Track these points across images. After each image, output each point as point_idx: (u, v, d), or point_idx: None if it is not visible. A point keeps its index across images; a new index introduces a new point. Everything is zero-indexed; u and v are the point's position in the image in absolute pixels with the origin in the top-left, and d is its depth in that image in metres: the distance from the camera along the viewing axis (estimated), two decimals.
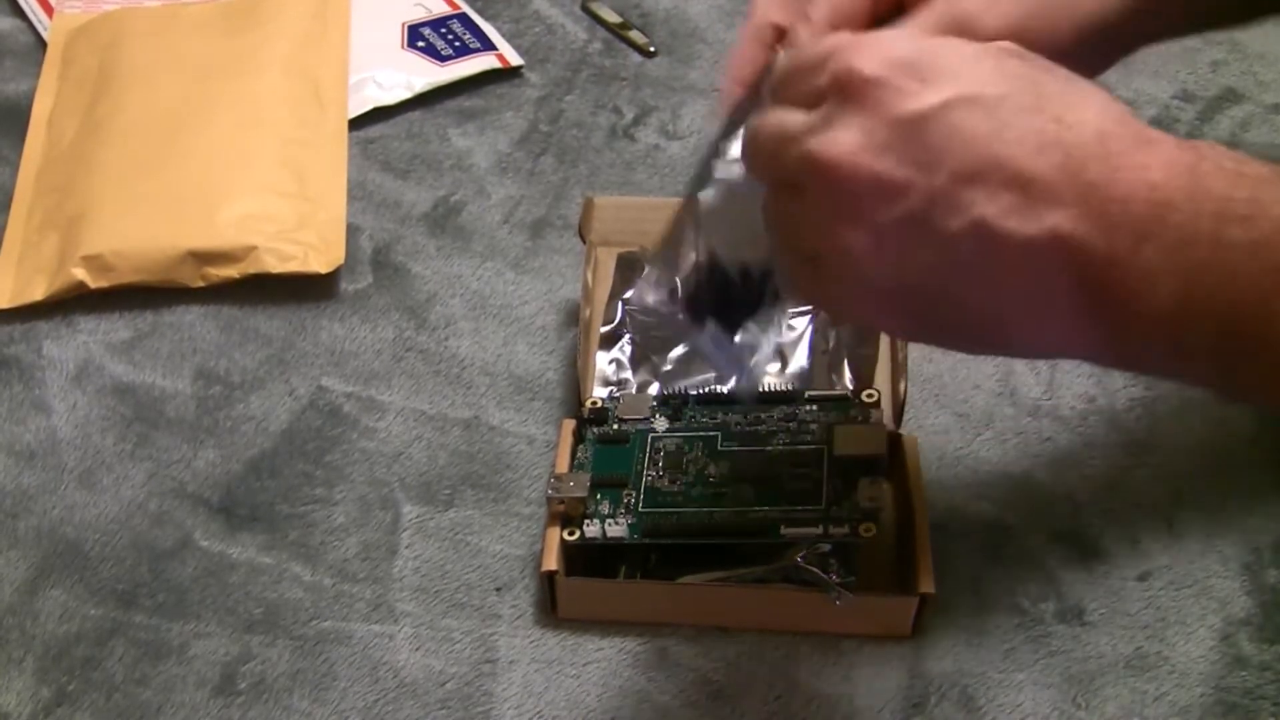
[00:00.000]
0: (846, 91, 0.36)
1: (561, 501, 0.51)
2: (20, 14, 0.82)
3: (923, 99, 0.35)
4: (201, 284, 0.65)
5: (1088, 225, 0.34)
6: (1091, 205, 0.34)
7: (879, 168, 0.35)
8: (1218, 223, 0.34)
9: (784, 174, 0.38)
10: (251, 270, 0.65)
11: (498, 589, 0.54)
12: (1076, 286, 0.35)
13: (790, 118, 0.37)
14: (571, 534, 0.51)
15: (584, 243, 0.64)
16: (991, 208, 0.34)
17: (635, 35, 0.81)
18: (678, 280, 0.46)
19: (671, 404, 0.55)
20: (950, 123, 0.35)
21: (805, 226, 0.38)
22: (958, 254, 0.35)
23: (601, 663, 0.51)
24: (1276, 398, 0.35)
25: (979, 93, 0.35)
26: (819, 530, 0.48)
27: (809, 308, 0.60)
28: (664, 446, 0.53)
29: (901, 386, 0.55)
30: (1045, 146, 0.34)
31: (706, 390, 0.57)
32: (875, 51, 0.36)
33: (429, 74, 0.77)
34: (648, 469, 0.52)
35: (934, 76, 0.35)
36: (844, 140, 0.35)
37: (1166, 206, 0.34)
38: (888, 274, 0.36)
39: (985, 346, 0.39)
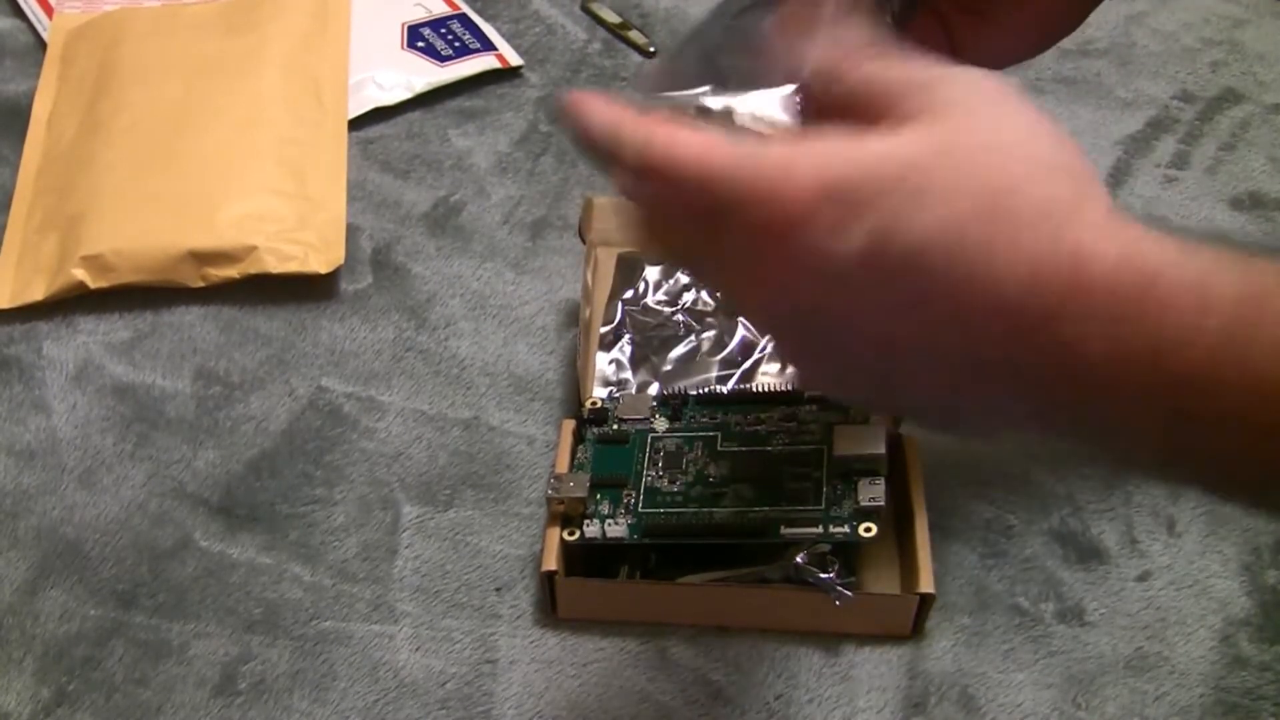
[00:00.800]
0: (761, 243, 0.33)
1: (561, 501, 0.51)
2: (20, 14, 0.82)
3: (850, 242, 0.32)
4: (201, 284, 0.65)
5: (1038, 281, 0.31)
6: (1040, 267, 0.32)
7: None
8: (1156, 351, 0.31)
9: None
10: (251, 270, 0.65)
11: (498, 589, 0.54)
12: (1013, 344, 0.32)
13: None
14: (571, 534, 0.51)
15: (584, 243, 0.64)
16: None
17: (635, 35, 0.81)
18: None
19: (671, 404, 0.55)
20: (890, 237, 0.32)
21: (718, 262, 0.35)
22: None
23: (601, 663, 0.51)
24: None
25: (925, 223, 0.32)
26: (819, 530, 0.48)
27: None
28: (664, 446, 0.53)
29: None
30: (1008, 263, 0.32)
31: (706, 390, 0.57)
32: (796, 184, 0.33)
33: (429, 74, 0.77)
34: (648, 469, 0.52)
35: (867, 212, 0.32)
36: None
37: (1134, 321, 0.31)
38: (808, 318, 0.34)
39: (938, 424, 0.37)
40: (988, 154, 0.32)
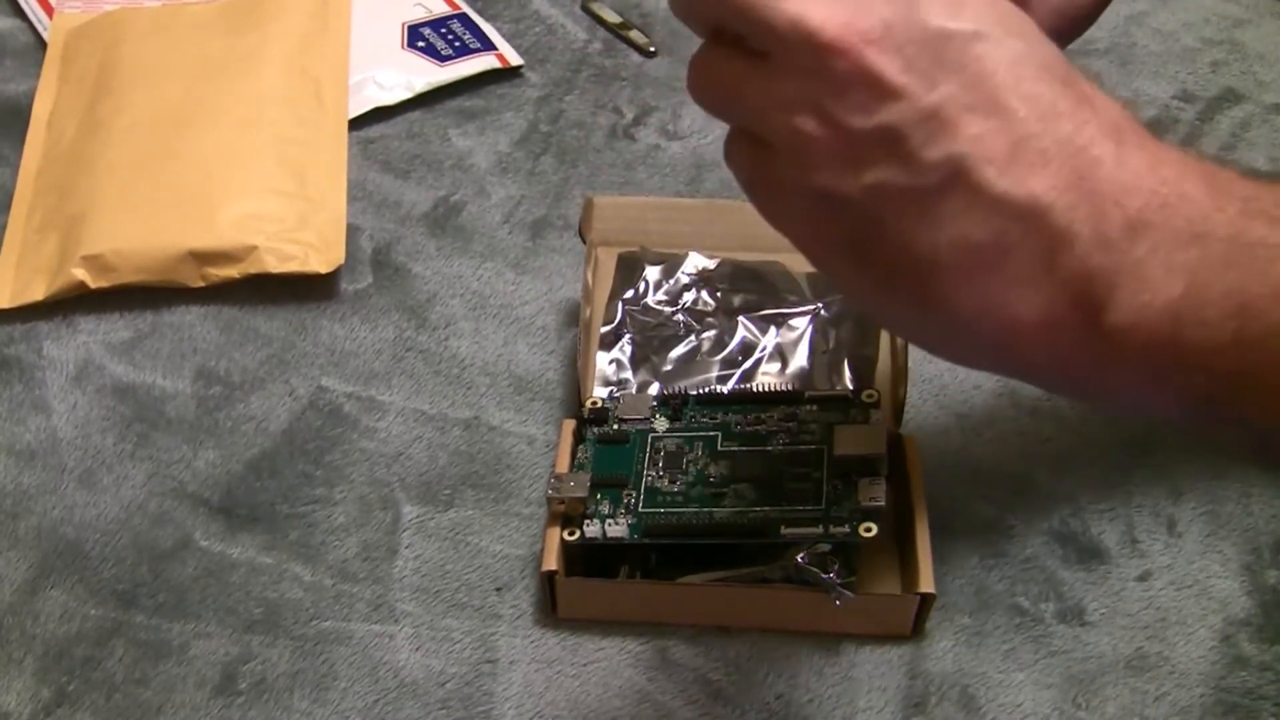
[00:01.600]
0: None
1: (561, 501, 0.51)
2: (20, 14, 0.82)
3: (957, 17, 0.31)
4: (201, 284, 0.65)
5: (1074, 203, 0.31)
6: (1086, 184, 0.31)
7: (881, 64, 0.31)
8: (1242, 218, 0.31)
9: (750, 28, 0.33)
10: (252, 270, 0.65)
11: (498, 589, 0.54)
12: (1041, 267, 0.31)
13: None
14: (571, 534, 0.51)
15: (584, 243, 0.64)
16: (977, 150, 0.31)
17: (635, 35, 0.81)
18: None
19: (671, 404, 0.55)
20: (972, 50, 0.31)
21: (759, 96, 0.33)
22: (923, 185, 0.32)
23: (601, 663, 0.51)
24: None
25: (1012, 39, 0.32)
26: (819, 530, 0.48)
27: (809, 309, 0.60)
28: (664, 446, 0.53)
29: (901, 387, 0.55)
30: (1057, 115, 0.31)
31: (706, 390, 0.57)
32: None
33: (429, 74, 0.77)
34: (648, 469, 0.52)
35: (976, 3, 0.32)
36: (858, 23, 0.31)
37: (1178, 198, 0.31)
38: (837, 181, 0.32)
39: (910, 306, 0.34)
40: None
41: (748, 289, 0.61)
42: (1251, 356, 0.30)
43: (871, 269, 0.34)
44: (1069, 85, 0.32)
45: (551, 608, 0.52)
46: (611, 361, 0.59)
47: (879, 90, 0.31)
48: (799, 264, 0.62)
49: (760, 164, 0.34)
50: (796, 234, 0.35)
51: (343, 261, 0.66)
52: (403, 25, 0.80)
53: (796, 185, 0.33)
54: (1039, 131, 0.31)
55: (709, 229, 0.64)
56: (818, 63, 0.31)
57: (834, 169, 0.32)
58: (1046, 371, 0.34)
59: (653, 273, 0.62)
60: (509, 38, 0.80)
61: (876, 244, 0.33)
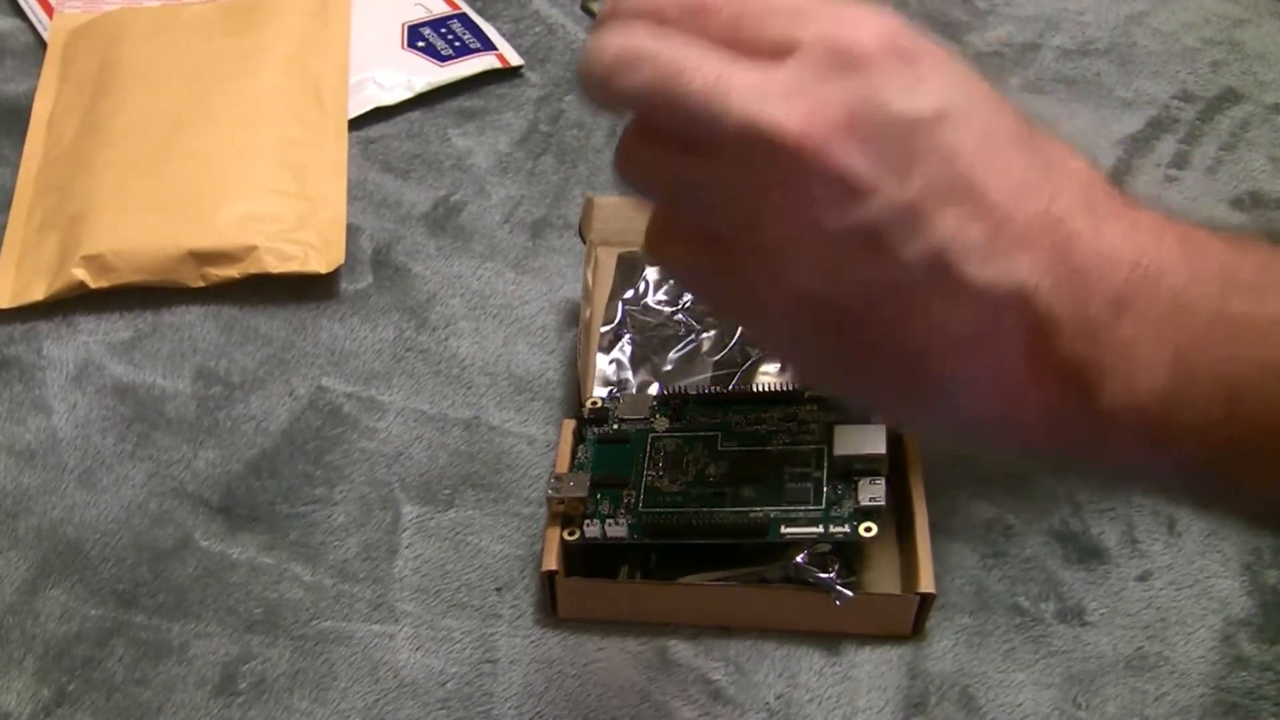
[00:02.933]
0: (837, 60, 0.30)
1: (561, 501, 0.51)
2: (20, 14, 0.82)
3: (917, 97, 0.30)
4: (201, 284, 0.65)
5: (1057, 284, 0.30)
6: (1067, 263, 0.30)
7: (851, 162, 0.29)
8: (1223, 294, 0.30)
9: (693, 128, 0.30)
10: (251, 270, 0.65)
11: (498, 589, 0.54)
12: (1031, 353, 0.30)
13: (735, 67, 0.30)
14: (571, 534, 0.51)
15: (584, 243, 0.64)
16: (957, 241, 0.30)
17: None
18: None
19: (671, 404, 0.55)
20: (939, 135, 0.30)
21: (712, 193, 0.31)
22: (905, 280, 0.30)
23: (601, 663, 0.51)
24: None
25: (973, 112, 0.31)
26: (819, 530, 0.48)
27: None
28: (664, 446, 0.53)
29: None
30: (1031, 189, 0.30)
31: (706, 390, 0.57)
32: (875, 25, 0.30)
33: (429, 74, 0.77)
34: (648, 469, 0.52)
35: (932, 76, 0.30)
36: (821, 117, 0.29)
37: (1158, 271, 0.30)
38: (811, 283, 0.31)
39: (902, 399, 0.33)
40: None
41: None
42: (1244, 429, 0.30)
43: (857, 368, 0.32)
44: (1036, 151, 0.31)
45: (551, 608, 0.52)
46: (611, 361, 0.59)
47: (850, 188, 0.29)
48: None
49: (714, 261, 0.32)
50: (768, 338, 0.34)
51: (343, 261, 0.66)
52: (403, 25, 0.80)
53: (765, 287, 0.31)
54: (1015, 211, 0.30)
55: None
56: (780, 164, 0.29)
57: (808, 272, 0.31)
58: (1047, 448, 0.33)
59: (653, 273, 0.62)
60: (509, 38, 0.80)
61: (859, 343, 0.32)
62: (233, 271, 0.65)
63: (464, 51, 0.79)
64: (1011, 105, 0.32)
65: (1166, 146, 0.74)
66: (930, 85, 0.30)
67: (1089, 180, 0.31)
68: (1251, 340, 0.30)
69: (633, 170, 0.33)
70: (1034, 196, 0.30)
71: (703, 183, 0.31)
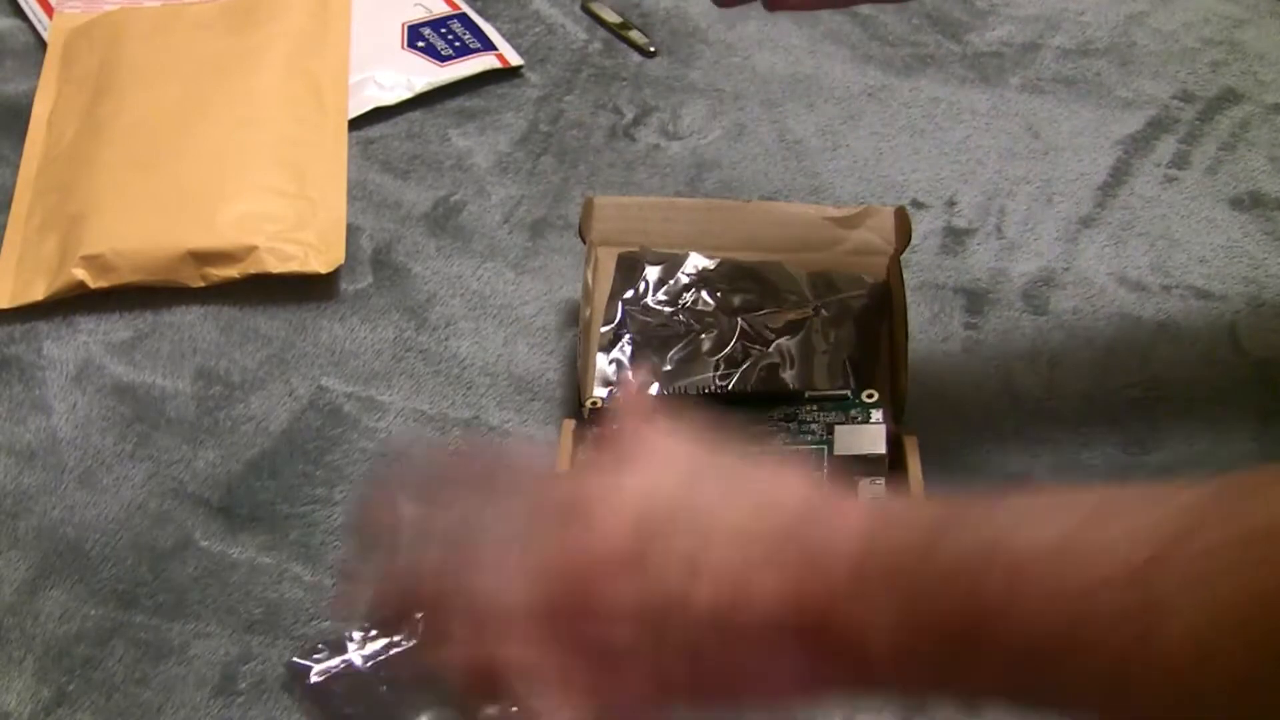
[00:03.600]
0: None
1: None
2: (20, 14, 0.82)
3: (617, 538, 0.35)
4: (201, 284, 0.65)
5: (809, 581, 0.33)
6: (811, 562, 0.33)
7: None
8: (921, 549, 0.32)
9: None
10: (251, 270, 0.65)
11: None
12: (805, 644, 0.33)
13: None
14: None
15: (584, 243, 0.64)
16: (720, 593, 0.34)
17: (635, 35, 0.81)
18: None
19: (671, 404, 0.55)
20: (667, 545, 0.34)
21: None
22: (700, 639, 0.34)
23: None
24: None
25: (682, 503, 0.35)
26: None
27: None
28: None
29: (902, 386, 0.55)
30: (755, 539, 0.34)
31: (706, 390, 0.57)
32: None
33: (429, 74, 0.77)
34: None
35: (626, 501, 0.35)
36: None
37: (871, 547, 0.33)
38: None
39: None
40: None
41: (748, 289, 0.61)
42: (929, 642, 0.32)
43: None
44: (750, 493, 0.36)
45: None
46: (611, 361, 0.59)
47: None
48: (799, 264, 0.62)
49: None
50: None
51: (343, 261, 0.66)
52: (403, 25, 0.80)
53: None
54: (761, 556, 0.34)
55: (709, 229, 0.64)
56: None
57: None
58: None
59: (653, 273, 0.62)
60: (509, 38, 0.80)
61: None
62: (233, 271, 0.65)
63: (464, 51, 0.79)
64: (711, 463, 0.37)
65: (1166, 146, 0.74)
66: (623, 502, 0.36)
67: (802, 496, 0.35)
68: (942, 582, 0.31)
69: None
70: (766, 540, 0.34)
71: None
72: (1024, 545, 0.30)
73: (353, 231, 0.68)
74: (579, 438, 0.55)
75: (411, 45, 0.79)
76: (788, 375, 0.58)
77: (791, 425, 0.53)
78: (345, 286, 0.66)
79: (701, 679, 0.35)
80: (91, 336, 0.64)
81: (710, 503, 0.35)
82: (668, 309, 0.61)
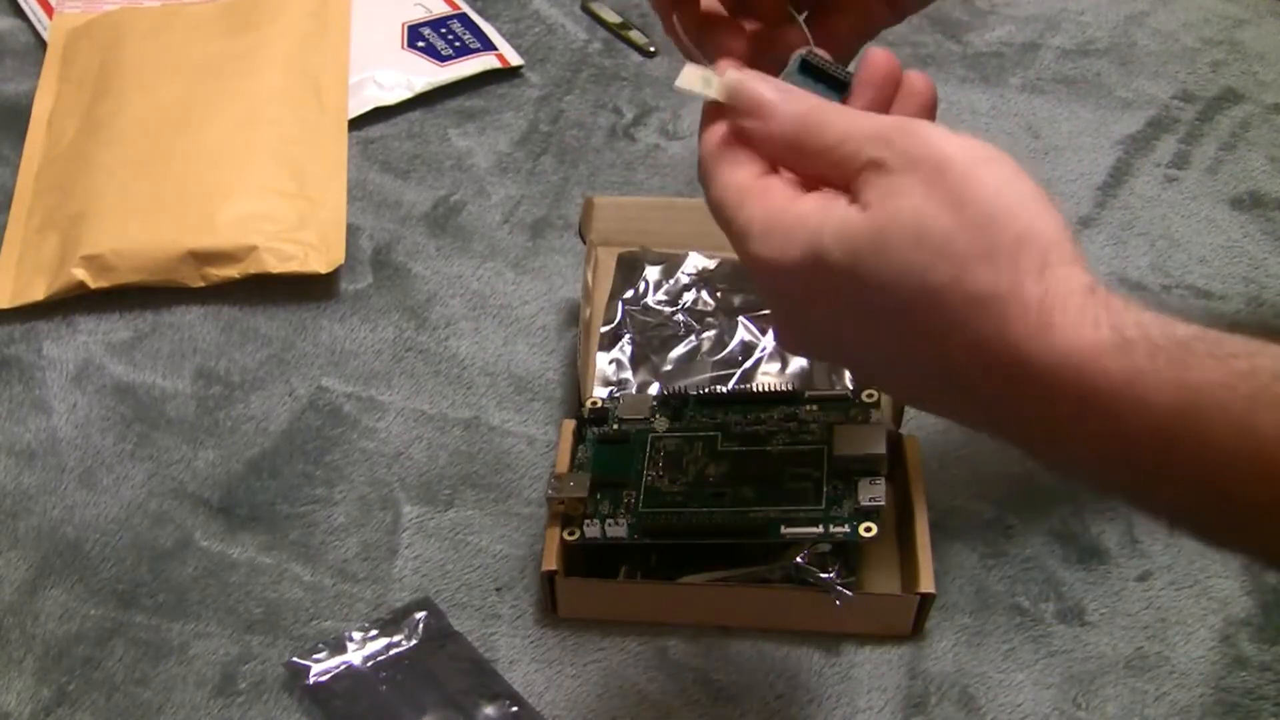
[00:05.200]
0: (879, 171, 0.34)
1: (561, 501, 0.51)
2: (20, 14, 0.82)
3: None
4: (201, 284, 0.65)
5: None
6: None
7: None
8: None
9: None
10: (251, 270, 0.65)
11: (498, 589, 0.54)
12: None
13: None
14: (571, 534, 0.51)
15: (584, 243, 0.64)
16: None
17: (635, 35, 0.81)
18: None
19: (671, 404, 0.55)
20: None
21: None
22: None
23: (601, 663, 0.51)
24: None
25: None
26: (819, 530, 0.48)
27: None
28: (664, 446, 0.53)
29: None
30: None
31: (706, 390, 0.57)
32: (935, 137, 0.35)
33: (429, 74, 0.77)
34: (648, 469, 0.52)
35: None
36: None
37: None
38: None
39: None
40: (931, 236, 0.33)
41: (748, 289, 0.61)
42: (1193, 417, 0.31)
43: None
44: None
45: (551, 608, 0.52)
46: (611, 361, 0.59)
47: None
48: None
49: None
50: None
51: (343, 261, 0.66)
52: (403, 25, 0.80)
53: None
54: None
55: (709, 229, 0.63)
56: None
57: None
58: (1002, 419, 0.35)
59: (653, 273, 0.62)
60: (509, 38, 0.80)
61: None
62: (233, 271, 0.65)
63: (464, 51, 0.79)
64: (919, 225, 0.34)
65: (1166, 146, 0.74)
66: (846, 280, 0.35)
67: (1000, 316, 0.33)
68: (1207, 366, 0.31)
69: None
70: (962, 351, 0.33)
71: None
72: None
73: (353, 231, 0.68)
74: (579, 437, 0.55)
75: (411, 45, 0.79)
76: (788, 375, 0.58)
77: (791, 425, 0.53)
78: (345, 286, 0.66)
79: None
80: (91, 336, 0.64)
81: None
82: (668, 309, 0.61)
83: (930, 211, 0.33)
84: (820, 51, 0.41)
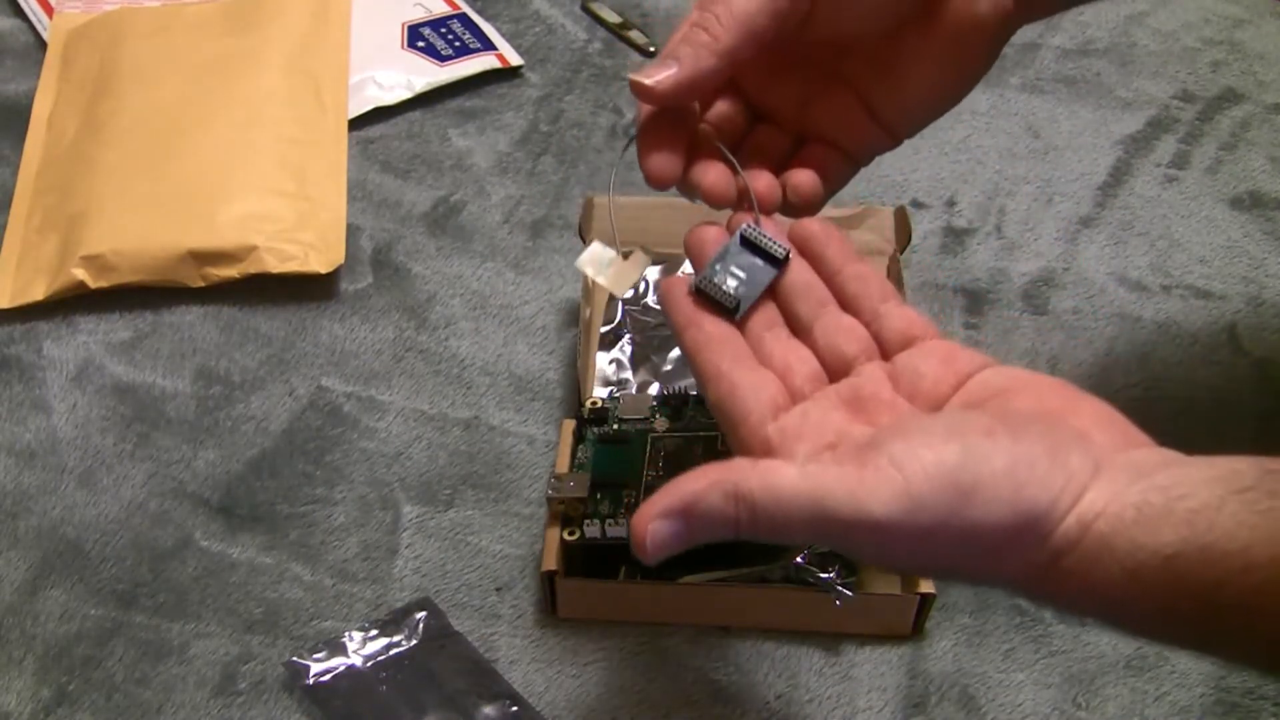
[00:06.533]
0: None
1: (561, 501, 0.51)
2: (20, 14, 0.82)
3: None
4: (201, 284, 0.65)
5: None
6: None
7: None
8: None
9: None
10: (252, 270, 0.65)
11: (498, 589, 0.54)
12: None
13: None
14: (571, 534, 0.51)
15: (584, 243, 0.64)
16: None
17: (635, 35, 0.81)
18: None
19: (671, 404, 0.55)
20: None
21: None
22: None
23: (601, 663, 0.51)
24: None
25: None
26: None
27: None
28: (664, 446, 0.53)
29: None
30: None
31: None
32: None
33: (429, 74, 0.77)
34: (648, 469, 0.52)
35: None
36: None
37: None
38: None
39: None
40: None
41: None
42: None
43: None
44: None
45: (551, 608, 0.52)
46: (611, 361, 0.59)
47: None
48: None
49: None
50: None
51: (343, 261, 0.66)
52: (403, 25, 0.80)
53: None
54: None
55: None
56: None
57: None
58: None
59: (653, 272, 0.62)
60: (509, 38, 0.81)
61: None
62: (233, 271, 0.65)
63: (464, 51, 0.79)
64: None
65: (1166, 146, 0.74)
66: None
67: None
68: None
69: None
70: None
71: None
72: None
73: (353, 231, 0.68)
74: (579, 437, 0.55)
75: (411, 45, 0.79)
76: None
77: None
78: (345, 286, 0.66)
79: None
80: (91, 336, 0.64)
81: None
82: None
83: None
84: (759, 228, 0.43)
